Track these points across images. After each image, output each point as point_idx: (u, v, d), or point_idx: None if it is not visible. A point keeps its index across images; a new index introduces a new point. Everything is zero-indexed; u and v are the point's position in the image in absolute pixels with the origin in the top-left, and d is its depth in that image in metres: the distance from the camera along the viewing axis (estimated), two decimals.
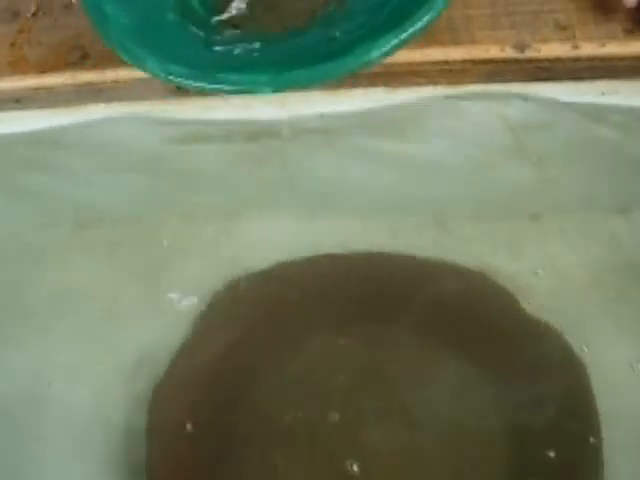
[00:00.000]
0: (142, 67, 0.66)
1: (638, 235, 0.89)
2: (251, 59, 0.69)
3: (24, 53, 0.78)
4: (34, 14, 0.82)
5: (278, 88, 0.64)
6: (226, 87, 0.64)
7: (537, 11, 0.72)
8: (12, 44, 0.79)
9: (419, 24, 0.63)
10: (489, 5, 0.72)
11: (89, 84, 0.75)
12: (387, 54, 0.63)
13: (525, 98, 0.75)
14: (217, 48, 0.71)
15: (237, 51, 0.71)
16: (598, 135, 0.81)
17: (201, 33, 0.71)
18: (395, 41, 0.63)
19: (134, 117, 0.77)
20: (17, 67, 0.77)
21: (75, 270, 0.93)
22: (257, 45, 0.70)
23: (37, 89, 0.76)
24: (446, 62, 0.70)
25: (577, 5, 0.72)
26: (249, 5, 0.73)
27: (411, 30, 0.63)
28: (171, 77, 0.65)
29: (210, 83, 0.64)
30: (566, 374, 0.79)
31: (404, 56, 0.69)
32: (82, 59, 0.76)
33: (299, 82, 0.64)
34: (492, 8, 0.72)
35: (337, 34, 0.69)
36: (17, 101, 0.78)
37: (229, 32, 0.71)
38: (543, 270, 0.86)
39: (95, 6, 0.68)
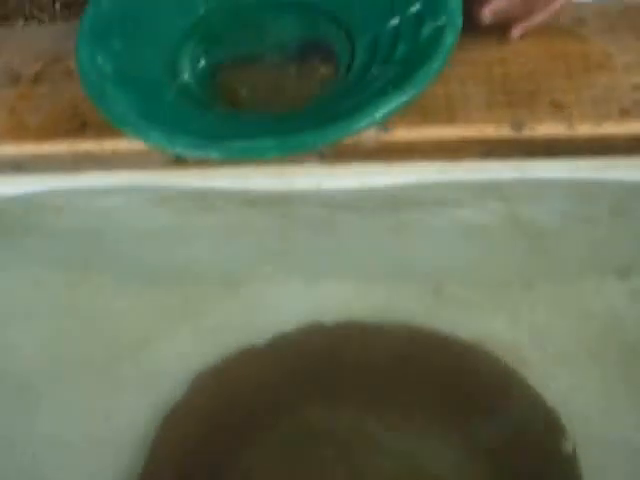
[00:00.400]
0: (146, 139, 0.66)
1: (634, 306, 0.89)
2: (254, 127, 0.70)
3: (24, 119, 0.78)
4: (34, 79, 0.82)
5: (285, 152, 0.65)
6: (232, 154, 0.64)
7: (534, 90, 0.73)
8: (12, 109, 0.79)
9: (421, 84, 0.64)
10: (486, 83, 0.73)
11: (88, 153, 0.75)
12: (392, 113, 0.63)
13: (521, 174, 0.75)
14: (219, 120, 0.71)
15: (240, 122, 0.71)
16: (594, 208, 0.81)
17: (201, 110, 0.71)
18: (402, 98, 0.64)
19: (132, 186, 0.77)
20: (17, 134, 0.77)
21: (63, 332, 0.92)
22: (258, 118, 0.71)
23: (36, 156, 0.76)
24: (442, 141, 0.70)
25: (573, 84, 0.73)
26: (249, 87, 0.73)
27: (414, 91, 0.64)
28: (176, 147, 0.65)
29: (216, 151, 0.64)
30: (558, 455, 0.79)
31: (401, 134, 0.70)
32: (81, 127, 0.76)
33: (306, 145, 0.64)
34: (489, 86, 0.73)
35: (336, 104, 0.70)
36: (16, 166, 0.78)
37: (230, 110, 0.72)
38: (538, 342, 0.86)
39: (96, 85, 0.68)
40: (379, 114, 0.63)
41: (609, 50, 0.75)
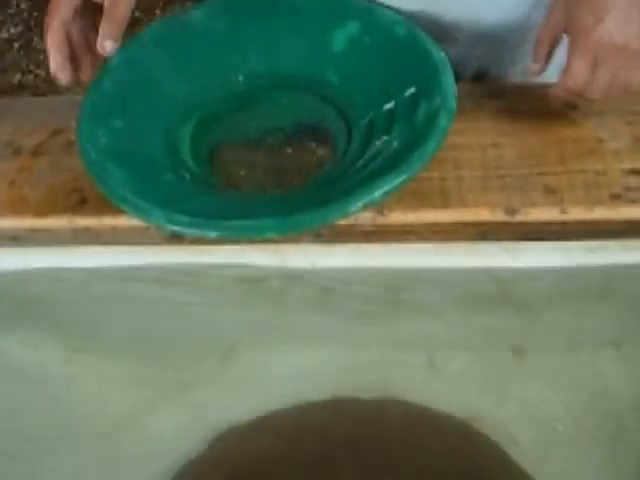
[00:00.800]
0: (145, 218, 0.67)
1: (623, 377, 0.90)
2: (252, 207, 0.71)
3: (23, 193, 0.79)
4: (35, 152, 0.83)
5: (283, 232, 0.65)
6: (231, 233, 0.65)
7: (527, 174, 0.74)
8: (12, 182, 0.80)
9: (417, 165, 0.65)
10: (481, 167, 0.74)
11: (87, 229, 0.75)
12: (388, 194, 0.64)
13: (513, 255, 0.76)
14: (218, 199, 0.72)
15: (238, 201, 0.72)
16: (584, 286, 0.82)
17: (200, 189, 0.72)
18: (398, 179, 0.65)
19: (130, 260, 0.78)
20: (16, 207, 0.78)
21: (66, 399, 0.93)
22: (256, 198, 0.72)
23: (35, 230, 0.77)
24: (437, 224, 0.71)
25: (565, 168, 0.74)
26: (247, 168, 0.74)
27: (409, 172, 0.65)
28: (175, 226, 0.65)
29: (214, 230, 0.65)
30: None
31: (397, 217, 0.71)
32: (80, 203, 0.77)
33: (304, 225, 0.65)
34: (483, 170, 0.74)
35: (333, 185, 0.71)
36: (14, 239, 0.79)
37: (228, 190, 0.73)
38: (529, 418, 0.86)
39: (96, 164, 0.69)
40: (376, 195, 0.64)
41: (600, 135, 0.77)
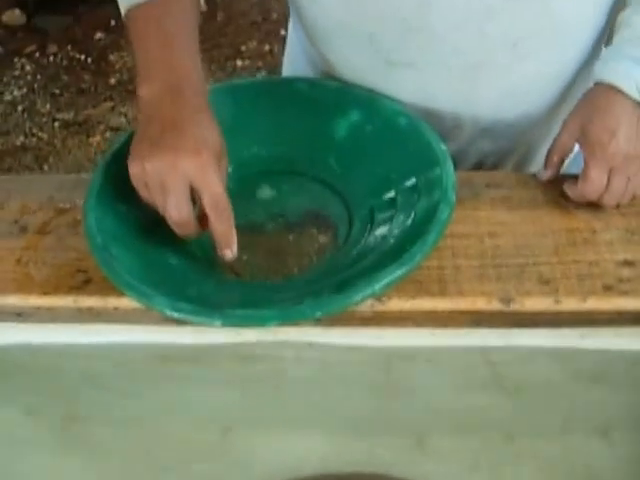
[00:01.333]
0: (150, 305, 0.68)
1: (612, 465, 0.91)
2: (255, 296, 0.73)
3: (29, 271, 0.81)
4: (40, 231, 0.84)
5: (284, 321, 0.67)
6: (234, 322, 0.67)
7: (522, 264, 0.76)
8: (18, 260, 0.82)
9: (417, 257, 0.68)
10: (478, 256, 0.76)
11: (91, 309, 0.77)
12: (389, 286, 0.67)
13: (507, 340, 0.77)
14: (221, 286, 0.73)
15: (240, 289, 0.74)
16: (575, 371, 0.84)
17: (203, 274, 0.73)
18: (399, 272, 0.67)
19: (131, 338, 0.79)
20: (22, 285, 0.80)
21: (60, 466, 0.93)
22: (258, 286, 0.74)
23: (39, 308, 0.78)
24: (435, 312, 0.73)
25: (560, 259, 0.76)
26: (249, 253, 0.76)
27: (410, 264, 0.67)
28: (180, 314, 0.67)
29: (219, 318, 0.66)
30: None
31: (395, 304, 0.73)
32: (85, 283, 0.78)
33: (305, 315, 0.67)
34: (480, 259, 0.76)
35: (335, 274, 0.73)
36: (19, 315, 0.80)
37: (231, 277, 0.75)
38: None
39: (102, 248, 0.71)
40: (377, 287, 0.66)
41: (594, 226, 0.79)
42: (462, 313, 0.74)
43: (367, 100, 0.84)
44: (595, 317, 0.75)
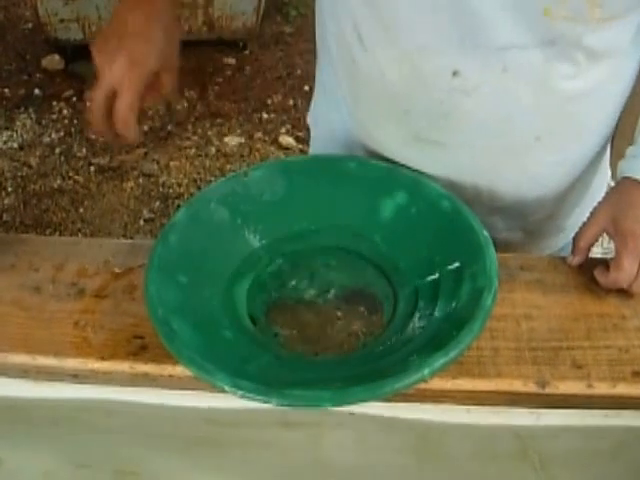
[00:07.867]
0: (211, 381, 0.71)
1: None
2: (310, 374, 0.76)
3: (86, 335, 0.84)
4: (97, 295, 0.89)
5: (339, 404, 0.70)
6: (291, 402, 0.69)
7: (556, 347, 0.80)
8: (76, 323, 0.85)
9: (462, 345, 0.71)
10: (514, 338, 0.80)
11: (146, 375, 0.81)
12: (437, 372, 0.69)
13: (537, 418, 0.81)
14: (276, 363, 0.77)
15: (295, 366, 0.78)
16: (598, 446, 0.87)
17: (257, 349, 0.78)
18: (447, 358, 0.70)
19: (183, 402, 0.83)
20: (80, 348, 0.83)
21: None
22: (312, 364, 0.78)
23: (96, 372, 0.82)
24: (473, 392, 0.77)
25: (591, 343, 0.80)
26: (298, 327, 0.81)
27: (457, 351, 0.70)
28: (239, 391, 0.69)
29: (276, 398, 0.69)
30: None
31: (436, 384, 0.77)
32: (141, 349, 0.82)
33: (358, 399, 0.70)
34: (517, 342, 0.80)
35: (383, 357, 0.76)
36: (74, 377, 0.84)
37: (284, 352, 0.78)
38: None
39: (164, 322, 0.75)
40: (427, 372, 0.69)
41: (623, 312, 0.83)
42: (500, 394, 0.77)
43: (412, 182, 0.88)
44: (623, 401, 0.78)
